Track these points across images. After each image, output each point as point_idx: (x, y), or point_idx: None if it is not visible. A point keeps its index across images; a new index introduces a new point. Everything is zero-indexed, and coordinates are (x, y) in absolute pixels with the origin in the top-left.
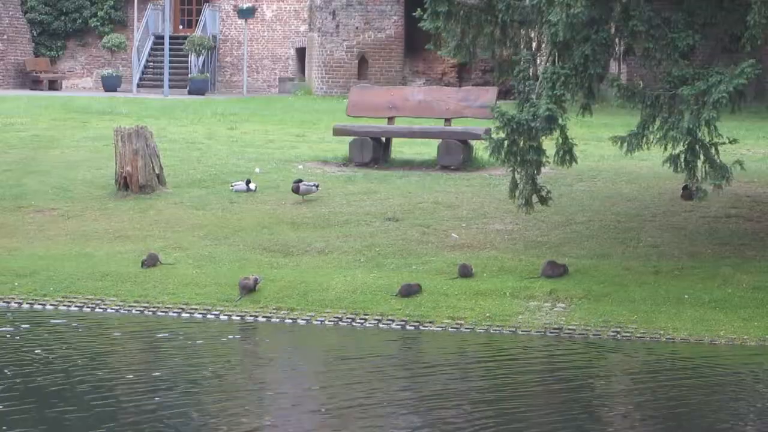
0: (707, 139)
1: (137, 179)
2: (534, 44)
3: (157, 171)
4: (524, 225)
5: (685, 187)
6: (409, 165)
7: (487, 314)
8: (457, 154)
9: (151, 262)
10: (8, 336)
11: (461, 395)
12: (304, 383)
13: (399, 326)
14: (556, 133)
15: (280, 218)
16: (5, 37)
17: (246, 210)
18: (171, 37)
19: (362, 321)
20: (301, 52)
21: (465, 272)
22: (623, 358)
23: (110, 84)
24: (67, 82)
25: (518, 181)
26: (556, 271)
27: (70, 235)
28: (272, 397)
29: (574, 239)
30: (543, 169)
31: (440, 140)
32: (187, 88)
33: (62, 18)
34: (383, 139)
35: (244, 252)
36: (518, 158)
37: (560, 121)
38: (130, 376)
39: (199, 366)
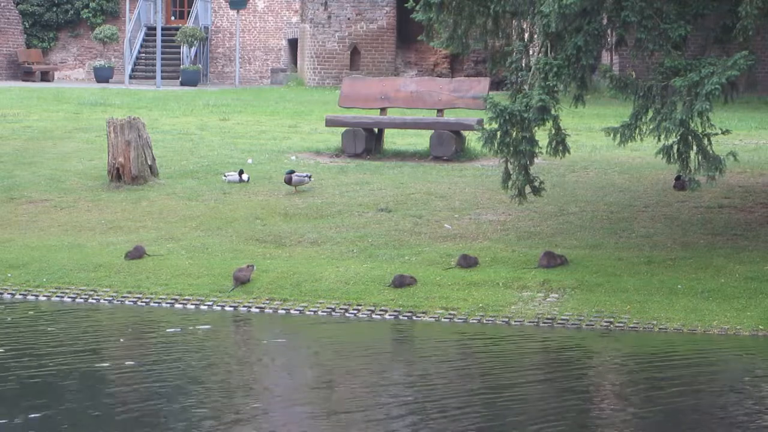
0: (700, 130)
1: (130, 170)
2: (526, 35)
3: (149, 162)
4: (517, 216)
5: (677, 177)
6: (401, 156)
7: (481, 304)
8: (449, 145)
9: (136, 254)
10: None
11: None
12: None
13: (392, 317)
14: (549, 124)
15: (273, 209)
16: None
17: (238, 201)
18: (163, 29)
19: (355, 311)
20: (293, 43)
21: (466, 263)
22: (616, 347)
23: (102, 75)
24: (59, 73)
25: (511, 172)
26: (552, 262)
27: (63, 226)
28: None
29: (566, 230)
30: (535, 160)
31: (433, 131)
32: (180, 79)
33: (54, 9)
34: (375, 129)
35: (237, 243)
36: (511, 149)
37: (553, 111)
38: None
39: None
